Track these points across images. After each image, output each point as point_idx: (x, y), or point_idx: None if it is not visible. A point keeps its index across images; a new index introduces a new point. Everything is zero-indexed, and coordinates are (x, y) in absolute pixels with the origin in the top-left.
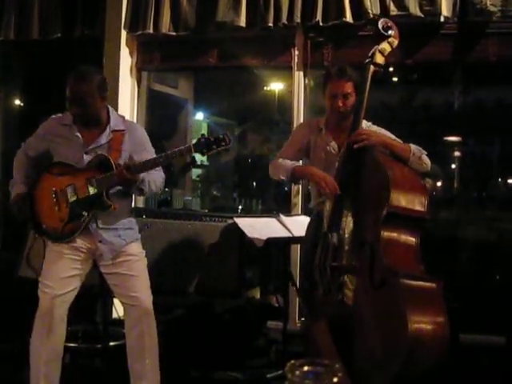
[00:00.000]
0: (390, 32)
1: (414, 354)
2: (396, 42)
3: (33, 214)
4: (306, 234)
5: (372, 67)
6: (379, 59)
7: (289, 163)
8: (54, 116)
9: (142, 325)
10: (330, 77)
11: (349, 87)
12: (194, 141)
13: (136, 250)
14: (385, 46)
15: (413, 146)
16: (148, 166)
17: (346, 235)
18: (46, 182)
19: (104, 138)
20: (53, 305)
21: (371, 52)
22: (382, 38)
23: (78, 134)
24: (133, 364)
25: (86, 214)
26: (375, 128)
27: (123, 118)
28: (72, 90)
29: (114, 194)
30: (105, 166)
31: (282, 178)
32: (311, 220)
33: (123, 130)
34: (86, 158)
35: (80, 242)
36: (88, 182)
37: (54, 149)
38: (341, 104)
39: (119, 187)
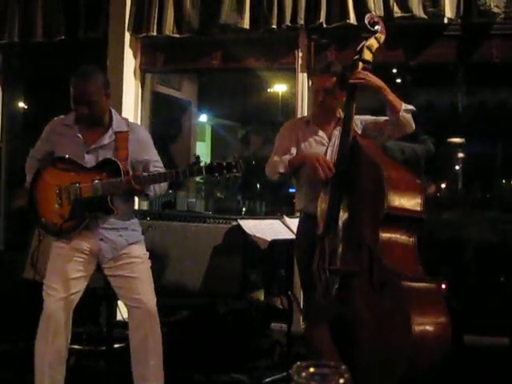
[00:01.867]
0: (376, 27)
1: (417, 356)
2: (383, 38)
3: (33, 206)
4: (298, 236)
5: (361, 64)
6: (367, 56)
7: (285, 157)
8: (56, 118)
9: (145, 327)
10: (314, 72)
11: (331, 83)
12: (205, 163)
13: (139, 251)
14: (372, 42)
15: (403, 103)
16: (157, 179)
17: (343, 237)
18: (49, 176)
19: (106, 139)
20: (57, 307)
21: (359, 48)
22: (368, 33)
23: (79, 135)
24: (136, 366)
25: (87, 214)
26: (367, 117)
27: (126, 120)
28: (78, 89)
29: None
30: (113, 171)
31: (281, 171)
32: (301, 222)
33: (127, 131)
34: (88, 157)
35: (83, 244)
36: (94, 183)
37: (56, 148)
38: (321, 99)
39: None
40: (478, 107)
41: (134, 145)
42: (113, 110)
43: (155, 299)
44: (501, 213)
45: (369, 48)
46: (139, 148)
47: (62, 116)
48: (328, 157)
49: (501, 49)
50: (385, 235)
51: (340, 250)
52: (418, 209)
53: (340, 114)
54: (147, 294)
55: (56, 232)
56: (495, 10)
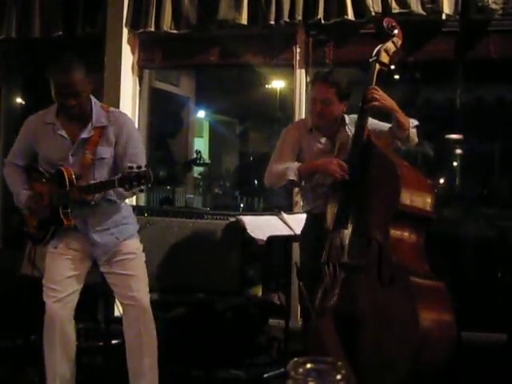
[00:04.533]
0: (394, 31)
1: (424, 352)
2: (400, 42)
3: (20, 214)
4: (305, 232)
5: (377, 65)
6: (384, 58)
7: (293, 164)
8: (31, 117)
9: (139, 324)
10: (314, 79)
11: (329, 93)
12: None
13: (133, 247)
14: (390, 45)
15: (410, 119)
16: (92, 189)
17: (353, 232)
18: (31, 188)
19: (86, 134)
20: (58, 307)
21: (376, 50)
22: (386, 37)
23: (64, 134)
24: (131, 363)
25: (51, 228)
26: (375, 122)
27: (107, 109)
28: (65, 80)
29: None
30: (60, 181)
31: (293, 178)
32: (308, 219)
33: (104, 127)
34: (72, 159)
35: (75, 244)
36: (50, 195)
37: (39, 149)
38: (318, 109)
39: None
40: (475, 103)
41: (114, 137)
42: (93, 100)
43: (149, 296)
44: (498, 209)
45: (386, 51)
46: (120, 140)
47: (39, 112)
48: None
49: (499, 45)
50: (395, 232)
51: (350, 244)
52: (429, 208)
53: (343, 117)
54: (141, 291)
55: (35, 240)
56: (493, 6)
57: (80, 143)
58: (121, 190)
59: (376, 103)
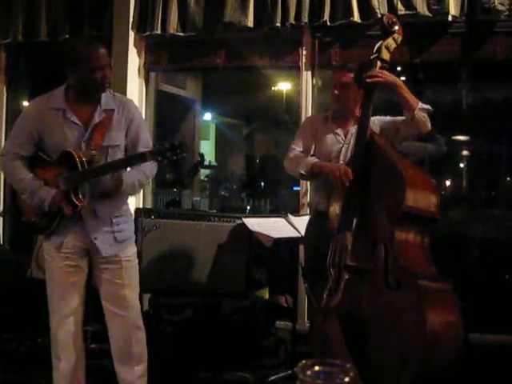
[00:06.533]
0: (395, 28)
1: (432, 354)
2: (400, 39)
3: (16, 204)
4: (309, 233)
5: (379, 62)
6: (385, 55)
7: (310, 158)
8: (34, 103)
9: (130, 333)
10: (335, 69)
11: (348, 78)
12: (151, 148)
13: (130, 252)
14: (390, 42)
15: (420, 102)
16: (107, 169)
17: (357, 234)
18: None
19: (97, 117)
20: (68, 334)
21: (376, 47)
22: (387, 33)
23: (76, 120)
24: (120, 371)
25: (59, 213)
26: (385, 118)
27: (113, 93)
28: (100, 51)
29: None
30: (71, 163)
31: (303, 172)
32: (312, 220)
33: (113, 110)
34: (84, 145)
35: (74, 242)
36: (57, 178)
37: (47, 138)
38: (337, 92)
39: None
40: (482, 104)
41: (123, 122)
42: None
43: (139, 306)
44: (505, 211)
45: (387, 47)
46: (130, 124)
47: (39, 98)
48: (342, 154)
49: (505, 46)
50: (401, 234)
51: (354, 247)
52: (433, 209)
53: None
54: (134, 301)
55: (36, 229)
56: (499, 7)
57: (92, 128)
58: (142, 175)
59: (379, 79)
